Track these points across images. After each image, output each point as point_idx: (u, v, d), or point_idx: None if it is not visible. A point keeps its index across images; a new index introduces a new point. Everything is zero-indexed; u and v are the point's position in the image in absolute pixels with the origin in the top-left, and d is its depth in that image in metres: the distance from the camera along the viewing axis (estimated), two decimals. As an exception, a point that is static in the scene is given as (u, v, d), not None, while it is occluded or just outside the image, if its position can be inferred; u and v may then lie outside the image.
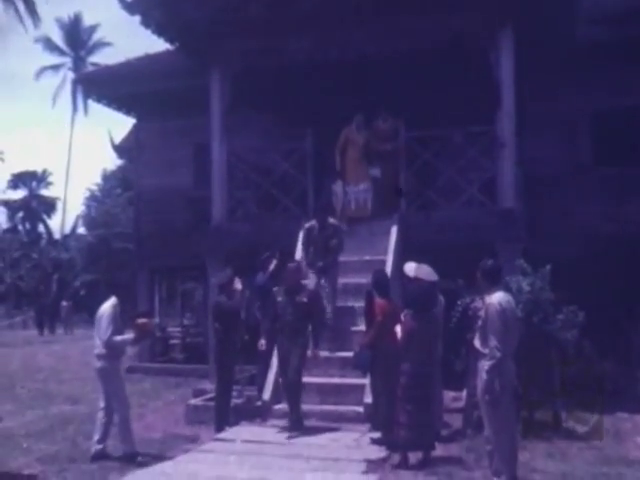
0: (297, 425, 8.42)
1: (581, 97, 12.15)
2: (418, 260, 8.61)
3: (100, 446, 7.66)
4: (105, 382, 7.74)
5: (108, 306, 7.76)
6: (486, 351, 6.16)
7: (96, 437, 7.71)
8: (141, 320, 7.89)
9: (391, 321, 7.87)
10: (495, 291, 6.36)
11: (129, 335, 7.81)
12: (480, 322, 6.31)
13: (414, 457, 7.21)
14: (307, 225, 10.37)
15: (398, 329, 7.59)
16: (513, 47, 10.63)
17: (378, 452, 7.48)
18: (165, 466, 7.27)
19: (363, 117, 11.95)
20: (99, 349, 7.68)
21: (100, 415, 7.77)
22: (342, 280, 10.49)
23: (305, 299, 8.67)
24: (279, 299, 8.82)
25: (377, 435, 7.94)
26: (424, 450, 7.28)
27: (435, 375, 7.89)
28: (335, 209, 11.59)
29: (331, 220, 10.23)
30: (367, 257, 10.64)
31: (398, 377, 7.46)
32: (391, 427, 7.49)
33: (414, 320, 7.33)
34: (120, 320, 7.73)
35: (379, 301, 8.16)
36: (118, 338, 7.66)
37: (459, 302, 8.78)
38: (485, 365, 6.13)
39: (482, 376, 6.18)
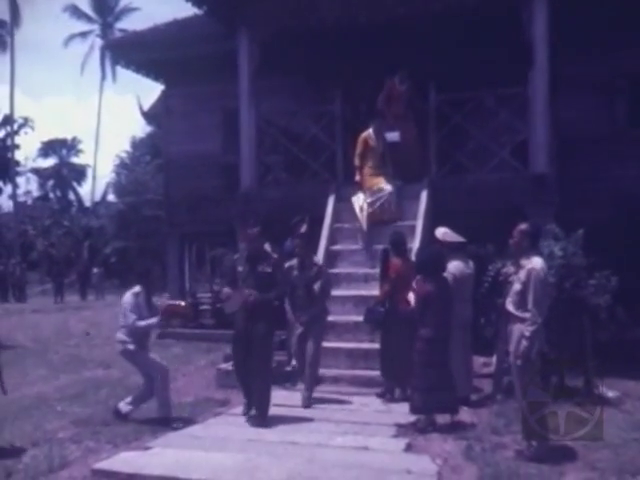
0: (260, 420, 7.47)
1: (617, 57, 11.83)
2: (448, 225, 8.60)
3: (128, 407, 7.86)
4: (132, 362, 7.98)
5: (129, 294, 7.86)
6: (526, 315, 6.09)
7: (128, 399, 7.95)
8: (169, 302, 7.84)
9: (405, 280, 8.14)
10: (532, 255, 6.28)
11: (153, 319, 7.80)
12: (519, 286, 6.20)
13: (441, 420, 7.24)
14: (287, 264, 8.68)
15: (411, 295, 7.72)
16: (546, 4, 10.40)
17: (407, 416, 7.48)
18: (196, 429, 7.37)
19: (380, 121, 11.37)
20: (119, 335, 7.84)
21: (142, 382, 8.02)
22: (373, 247, 10.47)
23: (269, 269, 7.69)
24: (240, 269, 7.70)
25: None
26: (447, 413, 7.33)
27: (456, 339, 7.93)
28: (360, 223, 10.76)
29: (315, 259, 8.87)
30: (398, 222, 10.60)
31: (411, 338, 7.67)
32: (401, 379, 8.20)
33: (428, 284, 7.34)
34: (146, 306, 7.80)
35: (394, 260, 8.47)
36: (142, 323, 7.73)
37: (490, 267, 8.71)
38: (526, 331, 6.06)
39: (520, 340, 6.11)
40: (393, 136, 11.56)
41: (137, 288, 7.90)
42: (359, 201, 10.78)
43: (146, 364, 7.86)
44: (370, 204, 10.73)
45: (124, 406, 7.89)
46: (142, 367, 7.91)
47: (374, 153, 11.09)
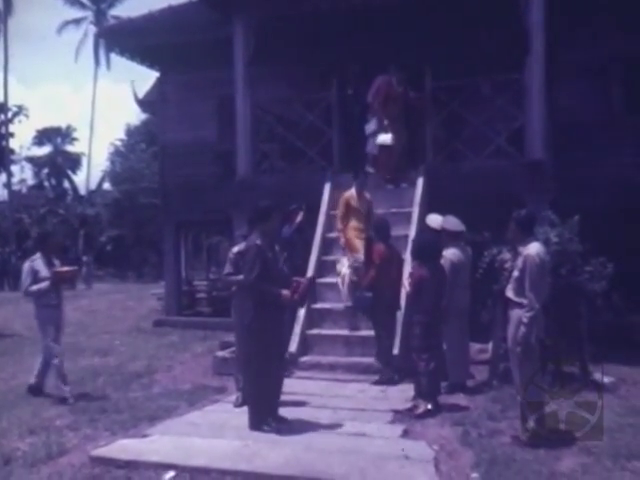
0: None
1: (614, 42, 11.79)
2: (444, 212, 8.63)
3: (34, 380, 8.61)
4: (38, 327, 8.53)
5: (27, 261, 8.62)
6: (524, 301, 6.11)
7: (34, 372, 8.65)
8: (59, 268, 8.54)
9: (388, 265, 8.61)
10: (529, 242, 6.29)
11: (44, 283, 8.32)
12: (517, 272, 6.22)
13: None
14: (235, 249, 8.01)
15: (406, 281, 8.00)
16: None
17: (404, 402, 7.53)
18: (194, 416, 7.39)
19: (363, 180, 10.30)
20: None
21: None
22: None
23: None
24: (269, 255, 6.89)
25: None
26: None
27: (453, 326, 8.08)
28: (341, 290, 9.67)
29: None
30: (393, 209, 10.62)
31: (395, 316, 8.71)
32: (390, 363, 8.55)
33: (423, 269, 7.50)
34: (46, 269, 8.39)
35: (377, 246, 8.73)
36: (34, 287, 8.34)
37: (486, 253, 8.73)
38: (524, 317, 6.07)
39: (518, 327, 6.13)
40: (385, 139, 11.18)
41: (36, 255, 8.56)
42: (343, 268, 9.74)
43: (42, 336, 8.44)
44: (353, 270, 9.65)
45: (32, 380, 8.61)
46: (40, 336, 8.49)
47: (357, 214, 10.07)
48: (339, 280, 9.71)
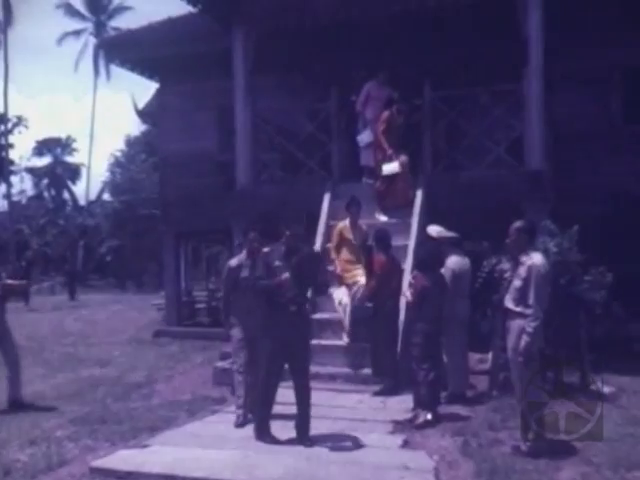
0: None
1: (612, 52, 11.77)
2: (443, 222, 8.65)
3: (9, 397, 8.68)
4: None
5: None
6: (527, 311, 6.10)
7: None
8: (8, 281, 9.07)
9: (389, 275, 8.59)
10: (531, 251, 6.29)
11: None
12: (519, 282, 6.20)
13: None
14: (233, 261, 7.82)
15: (407, 291, 7.98)
16: (541, 1, 10.43)
17: (404, 413, 7.52)
18: (194, 426, 7.38)
19: (357, 209, 9.99)
20: None
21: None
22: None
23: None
24: (277, 263, 7.21)
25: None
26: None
27: (454, 336, 8.13)
28: (341, 317, 9.50)
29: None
30: (394, 220, 10.63)
31: (395, 332, 8.57)
32: (392, 374, 8.44)
33: (425, 279, 7.52)
34: None
35: (378, 256, 8.68)
36: None
37: (485, 263, 8.74)
38: (528, 327, 6.05)
39: (520, 336, 6.12)
40: (393, 167, 10.88)
41: None
42: (339, 295, 9.61)
43: None
44: (351, 298, 9.57)
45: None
46: None
47: (350, 246, 9.85)
48: (340, 309, 9.49)
